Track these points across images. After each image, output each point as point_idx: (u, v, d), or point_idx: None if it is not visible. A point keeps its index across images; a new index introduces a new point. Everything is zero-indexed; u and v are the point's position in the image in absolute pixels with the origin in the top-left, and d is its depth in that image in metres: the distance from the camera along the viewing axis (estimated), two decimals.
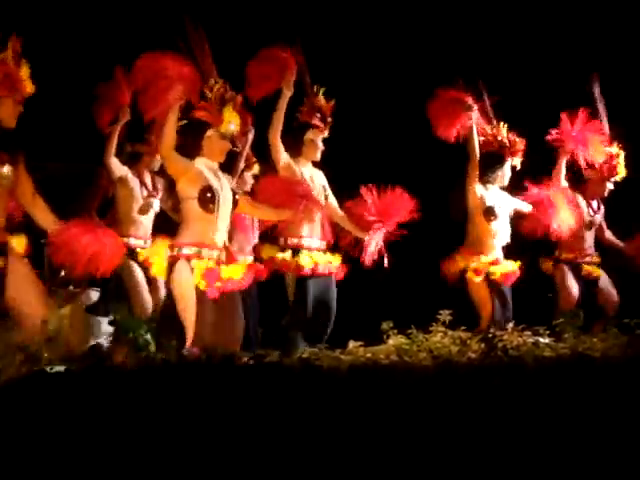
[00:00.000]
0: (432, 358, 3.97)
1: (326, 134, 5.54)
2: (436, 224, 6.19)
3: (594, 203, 6.65)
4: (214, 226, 4.65)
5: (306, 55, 5.33)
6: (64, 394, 3.09)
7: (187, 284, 4.57)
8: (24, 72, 4.37)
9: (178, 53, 4.61)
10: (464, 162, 6.10)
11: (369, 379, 3.44)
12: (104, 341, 5.50)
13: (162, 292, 5.51)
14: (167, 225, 5.80)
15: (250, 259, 5.55)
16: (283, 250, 5.42)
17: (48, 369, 3.68)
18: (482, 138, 6.14)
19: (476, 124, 6.03)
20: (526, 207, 6.22)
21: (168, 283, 4.65)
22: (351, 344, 4.21)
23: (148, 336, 4.88)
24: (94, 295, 5.82)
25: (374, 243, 5.41)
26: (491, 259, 6.09)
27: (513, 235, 6.21)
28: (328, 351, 4.16)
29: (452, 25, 7.45)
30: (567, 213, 6.19)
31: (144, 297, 5.75)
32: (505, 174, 6.19)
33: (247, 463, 2.91)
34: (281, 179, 5.29)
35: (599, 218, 6.68)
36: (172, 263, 4.60)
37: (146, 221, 5.93)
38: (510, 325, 4.81)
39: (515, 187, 6.27)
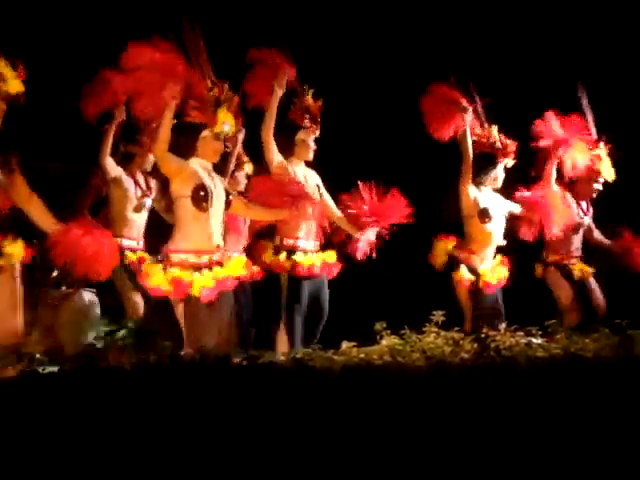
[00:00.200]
0: (425, 358, 3.97)
1: (317, 134, 5.56)
2: (429, 225, 6.19)
3: (583, 204, 6.68)
4: (207, 225, 4.66)
5: (298, 54, 5.34)
6: (57, 395, 3.09)
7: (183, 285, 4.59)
8: (4, 71, 4.31)
9: (170, 46, 4.61)
10: (457, 163, 6.11)
11: (362, 379, 3.44)
12: (97, 342, 5.48)
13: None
14: (159, 226, 5.81)
15: (242, 258, 5.54)
16: (278, 251, 5.43)
17: (41, 370, 3.68)
18: (474, 139, 6.15)
19: (469, 126, 6.05)
20: (517, 209, 6.24)
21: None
22: (344, 344, 4.21)
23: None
24: (87, 295, 5.81)
25: (366, 240, 5.43)
26: (479, 265, 6.10)
27: (506, 237, 6.24)
28: (321, 351, 4.16)
29: (444, 26, 7.45)
30: (561, 213, 6.22)
31: (135, 300, 5.75)
32: (498, 176, 6.19)
33: (241, 463, 2.91)
34: (274, 179, 5.29)
35: (587, 220, 6.70)
36: (165, 267, 4.62)
37: (139, 221, 5.92)
38: (503, 326, 4.83)
39: (507, 189, 6.30)
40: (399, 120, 7.01)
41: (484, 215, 6.06)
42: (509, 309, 6.10)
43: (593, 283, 6.63)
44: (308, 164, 5.61)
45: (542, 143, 6.29)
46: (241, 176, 5.88)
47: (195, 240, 4.66)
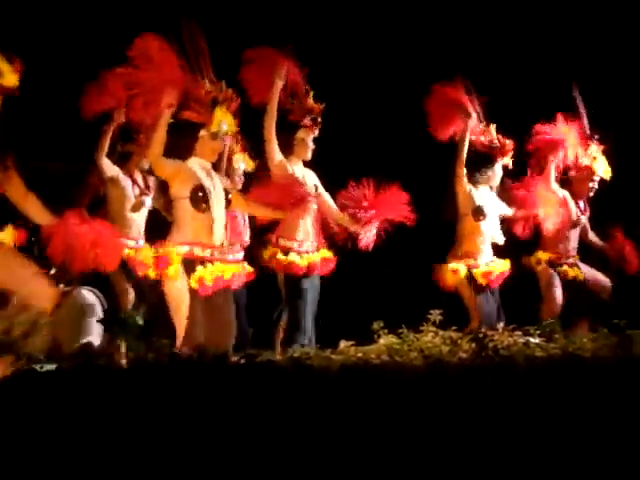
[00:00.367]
0: (423, 358, 3.97)
1: (316, 133, 5.56)
2: (427, 224, 6.19)
3: (581, 203, 6.69)
4: (207, 226, 4.66)
5: (299, 54, 5.34)
6: (55, 393, 3.08)
7: (179, 284, 4.58)
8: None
9: (172, 47, 4.60)
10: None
11: (360, 379, 3.44)
12: (95, 339, 5.48)
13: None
14: (159, 225, 5.80)
15: (240, 256, 5.53)
16: (275, 250, 5.43)
17: (38, 368, 3.67)
18: (472, 137, 6.17)
19: (470, 129, 6.06)
20: (509, 212, 6.26)
21: (161, 283, 4.66)
22: (342, 344, 4.21)
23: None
24: (85, 293, 5.80)
25: (367, 235, 5.43)
26: (476, 262, 6.11)
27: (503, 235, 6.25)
28: (319, 351, 4.16)
29: (442, 26, 7.46)
30: (553, 211, 6.23)
31: (129, 297, 5.75)
32: (496, 174, 6.21)
33: (238, 462, 2.91)
34: (277, 180, 5.28)
35: (584, 219, 6.71)
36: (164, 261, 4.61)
37: (138, 220, 5.92)
38: (501, 325, 4.83)
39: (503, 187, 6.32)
40: (398, 120, 7.03)
41: (478, 213, 6.08)
42: (506, 309, 6.12)
43: (590, 274, 6.64)
44: (306, 164, 5.61)
45: (543, 139, 6.31)
46: (237, 175, 5.88)
47: (196, 235, 4.66)
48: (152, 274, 4.76)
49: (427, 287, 6.18)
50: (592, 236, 6.85)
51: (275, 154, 5.31)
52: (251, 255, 5.54)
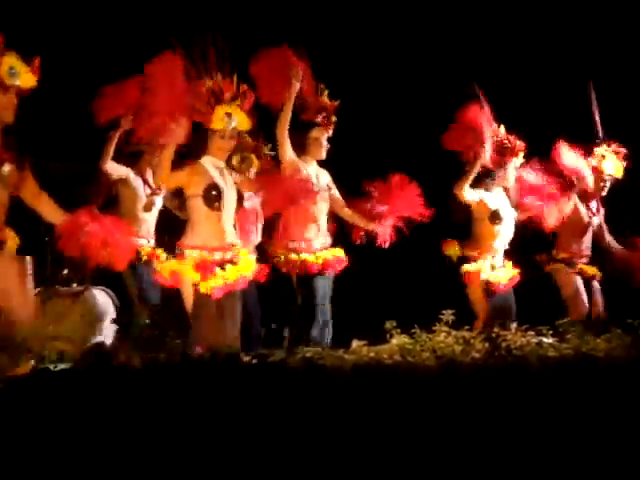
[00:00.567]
0: (435, 358, 3.96)
1: (330, 132, 5.55)
2: (440, 224, 6.19)
3: (593, 205, 6.67)
4: (220, 224, 4.67)
5: (313, 53, 5.31)
6: (68, 392, 3.09)
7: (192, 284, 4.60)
8: (16, 64, 4.30)
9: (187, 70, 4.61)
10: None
11: (372, 379, 3.44)
12: (107, 339, 5.50)
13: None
14: (170, 224, 5.81)
15: (252, 258, 5.52)
16: (286, 251, 5.43)
17: (52, 367, 3.68)
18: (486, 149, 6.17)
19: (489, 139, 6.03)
20: (519, 215, 6.27)
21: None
22: (354, 343, 4.20)
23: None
24: (97, 293, 5.82)
25: (383, 232, 5.43)
26: (490, 264, 6.10)
27: (515, 236, 6.25)
28: (331, 350, 4.16)
29: (451, 28, 7.45)
30: (559, 206, 6.22)
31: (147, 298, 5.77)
32: (509, 175, 6.19)
33: (251, 462, 2.91)
34: (282, 178, 5.26)
35: (597, 220, 6.69)
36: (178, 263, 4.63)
37: (150, 219, 5.93)
38: (514, 325, 4.82)
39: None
40: (409, 121, 7.03)
41: (495, 217, 6.07)
42: (520, 308, 6.10)
43: (596, 288, 6.64)
44: (320, 164, 5.60)
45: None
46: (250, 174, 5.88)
47: (207, 238, 4.67)
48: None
49: (440, 287, 6.18)
50: (608, 237, 6.81)
51: (286, 154, 5.30)
52: (264, 254, 5.55)
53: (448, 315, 4.42)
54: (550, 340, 4.44)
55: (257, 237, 5.78)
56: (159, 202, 5.89)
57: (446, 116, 6.15)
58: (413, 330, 4.31)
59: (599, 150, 6.56)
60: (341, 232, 5.67)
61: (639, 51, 7.33)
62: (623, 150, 6.59)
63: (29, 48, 4.31)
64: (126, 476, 2.86)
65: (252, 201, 5.58)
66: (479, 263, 6.06)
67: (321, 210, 5.49)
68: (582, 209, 6.62)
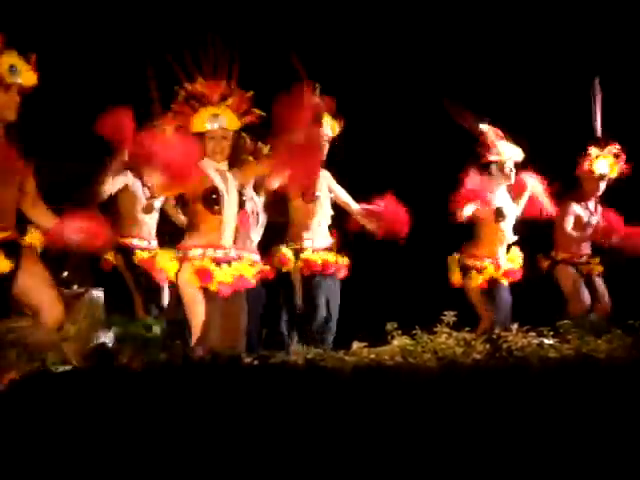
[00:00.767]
0: (437, 359, 3.96)
1: (329, 132, 5.55)
2: (440, 225, 6.20)
3: (591, 205, 6.70)
4: (221, 227, 4.66)
5: (310, 59, 5.29)
6: (70, 394, 3.09)
7: (193, 285, 4.59)
8: (17, 63, 4.29)
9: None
10: (467, 163, 6.13)
11: (373, 380, 3.44)
12: (108, 341, 5.50)
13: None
14: (170, 226, 5.82)
15: (255, 257, 5.50)
16: (288, 251, 5.44)
17: (54, 369, 3.68)
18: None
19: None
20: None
21: (175, 284, 4.67)
22: (355, 345, 4.20)
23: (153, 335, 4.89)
24: (97, 295, 5.83)
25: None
26: (493, 260, 6.12)
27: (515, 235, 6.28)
28: (332, 352, 4.16)
29: (451, 33, 7.45)
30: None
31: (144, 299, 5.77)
32: (510, 172, 6.21)
33: (252, 463, 2.91)
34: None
35: (595, 219, 6.71)
36: (179, 265, 4.63)
37: (150, 221, 5.93)
38: (514, 326, 4.81)
39: None
40: (411, 121, 7.03)
41: (499, 214, 6.10)
42: (520, 309, 6.11)
43: (599, 283, 6.66)
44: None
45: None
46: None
47: (208, 240, 4.66)
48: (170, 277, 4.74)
49: (441, 288, 6.19)
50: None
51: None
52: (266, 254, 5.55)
53: (449, 316, 4.42)
54: (551, 341, 4.45)
55: (258, 237, 5.78)
56: (158, 204, 5.90)
57: (448, 117, 6.17)
58: (414, 331, 4.31)
59: (593, 150, 6.59)
60: (344, 238, 5.68)
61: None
62: (619, 150, 6.60)
63: (31, 47, 4.31)
64: (128, 477, 2.86)
65: (253, 202, 5.57)
66: (479, 275, 6.09)
67: (322, 211, 5.49)
68: (580, 209, 6.65)
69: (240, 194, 4.79)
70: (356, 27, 7.24)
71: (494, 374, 3.60)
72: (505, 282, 6.15)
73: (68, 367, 3.73)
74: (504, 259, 6.19)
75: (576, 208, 6.65)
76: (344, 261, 5.54)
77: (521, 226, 6.28)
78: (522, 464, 3.00)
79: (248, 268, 4.71)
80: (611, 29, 7.32)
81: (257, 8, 6.66)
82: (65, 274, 5.98)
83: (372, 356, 4.05)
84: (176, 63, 4.62)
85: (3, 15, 4.47)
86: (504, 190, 6.22)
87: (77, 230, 4.45)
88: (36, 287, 4.32)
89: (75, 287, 5.90)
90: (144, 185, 5.86)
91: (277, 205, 5.57)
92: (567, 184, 6.67)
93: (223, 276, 4.58)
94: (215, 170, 4.72)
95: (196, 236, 4.68)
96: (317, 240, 5.51)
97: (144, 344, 4.41)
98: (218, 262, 4.62)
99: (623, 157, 6.61)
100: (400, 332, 4.31)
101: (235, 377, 3.33)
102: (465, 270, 6.14)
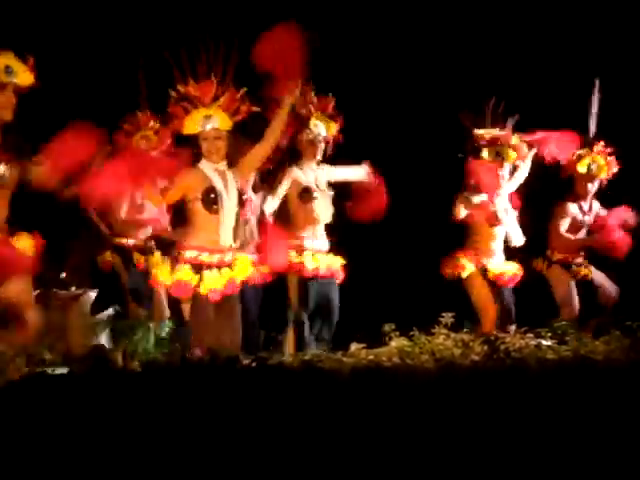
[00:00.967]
0: (434, 360, 3.96)
1: (323, 132, 5.57)
2: (438, 226, 6.20)
3: (584, 205, 6.71)
4: (219, 227, 4.66)
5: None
6: (66, 396, 3.09)
7: (188, 286, 4.60)
8: (13, 63, 4.28)
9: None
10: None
11: (371, 381, 3.43)
12: (105, 342, 5.50)
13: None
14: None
15: (253, 258, 5.48)
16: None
17: (50, 371, 3.68)
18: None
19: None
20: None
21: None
22: (353, 346, 4.20)
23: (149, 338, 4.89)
24: (94, 296, 5.83)
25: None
26: (491, 261, 6.13)
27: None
28: (330, 353, 4.16)
29: (452, 33, 7.44)
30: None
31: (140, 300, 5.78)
32: (504, 176, 6.22)
33: (249, 465, 2.91)
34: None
35: (589, 219, 6.72)
36: (175, 265, 4.62)
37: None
38: (513, 327, 4.82)
39: None
40: (411, 122, 7.02)
41: (493, 219, 6.10)
42: (518, 311, 6.11)
43: (598, 280, 6.66)
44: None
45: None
46: None
47: (206, 240, 4.66)
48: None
49: (438, 289, 6.18)
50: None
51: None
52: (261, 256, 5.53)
53: (447, 318, 4.42)
54: (549, 342, 4.45)
55: (256, 237, 5.78)
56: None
57: (451, 117, 6.17)
58: (412, 333, 4.31)
59: (580, 150, 6.62)
60: (341, 239, 5.67)
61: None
62: (608, 149, 6.62)
63: (29, 48, 4.31)
64: (126, 478, 2.86)
65: (252, 202, 5.57)
66: (475, 265, 6.09)
67: (322, 212, 5.50)
68: (576, 209, 6.67)
69: (240, 193, 4.79)
70: (352, 24, 7.22)
71: (492, 375, 3.59)
72: (506, 284, 6.16)
73: (64, 369, 3.72)
74: (500, 261, 6.20)
75: (572, 208, 6.66)
76: (338, 264, 5.53)
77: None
78: (520, 465, 3.00)
79: (242, 271, 4.70)
80: (611, 30, 7.31)
81: (253, 7, 6.65)
82: (63, 275, 5.97)
83: (370, 357, 4.05)
84: (169, 63, 4.62)
85: None
86: (503, 192, 6.23)
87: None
88: (16, 297, 4.29)
89: (73, 289, 5.89)
90: None
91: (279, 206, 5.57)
92: (563, 185, 6.69)
93: (213, 282, 4.58)
94: (214, 170, 4.72)
95: (195, 237, 4.68)
96: (315, 242, 5.50)
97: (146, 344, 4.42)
98: (209, 266, 4.62)
99: (613, 157, 6.63)
100: (398, 333, 4.31)
101: (232, 378, 3.32)
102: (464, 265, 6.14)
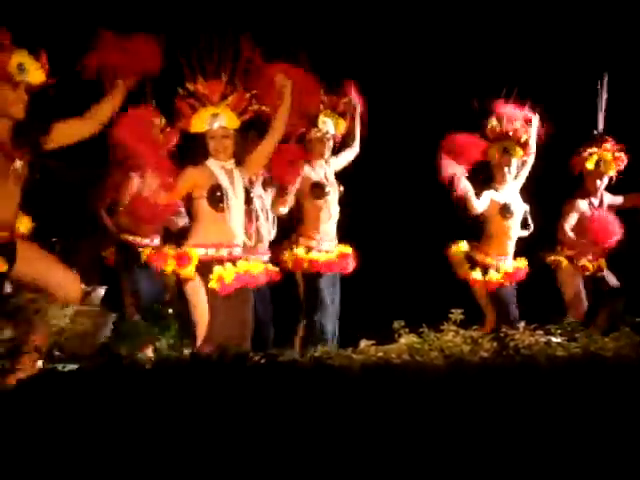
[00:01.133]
0: (444, 357, 3.96)
1: (331, 129, 5.58)
2: (448, 222, 6.20)
3: (595, 201, 6.71)
4: (226, 225, 4.67)
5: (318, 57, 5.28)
6: (77, 393, 3.10)
7: (197, 283, 4.60)
8: (25, 61, 4.29)
9: None
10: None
11: (381, 378, 3.43)
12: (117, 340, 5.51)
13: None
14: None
15: (265, 258, 5.48)
16: (295, 249, 5.44)
17: (60, 367, 3.69)
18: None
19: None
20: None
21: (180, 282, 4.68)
22: (363, 343, 4.21)
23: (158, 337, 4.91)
24: (101, 293, 5.84)
25: None
26: (497, 260, 6.14)
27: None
28: (340, 350, 4.17)
29: (457, 29, 7.44)
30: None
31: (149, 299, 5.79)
32: (513, 171, 6.23)
33: (260, 461, 2.91)
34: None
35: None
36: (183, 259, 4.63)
37: None
38: (522, 324, 4.82)
39: None
40: (420, 117, 7.02)
41: (505, 211, 6.12)
42: (527, 307, 6.11)
43: (608, 276, 6.67)
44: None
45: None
46: None
47: (213, 238, 4.67)
48: (170, 269, 4.72)
49: (448, 286, 6.19)
50: None
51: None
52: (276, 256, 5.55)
53: (457, 314, 4.42)
54: (558, 339, 4.44)
55: (269, 235, 5.78)
56: None
57: (457, 112, 6.17)
58: (421, 329, 4.31)
59: (588, 147, 6.62)
60: (350, 233, 5.68)
61: None
62: (616, 146, 6.61)
63: (42, 46, 4.32)
64: (136, 475, 2.87)
65: (261, 200, 5.58)
66: (485, 272, 6.10)
67: (333, 207, 5.51)
68: (585, 205, 6.67)
69: (247, 191, 4.79)
70: (357, 22, 7.23)
71: (501, 372, 3.59)
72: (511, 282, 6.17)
73: (75, 366, 3.73)
74: (511, 258, 6.21)
75: (581, 204, 6.67)
76: (348, 251, 5.55)
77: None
78: (530, 462, 3.00)
79: (255, 266, 4.71)
80: (620, 25, 7.30)
81: (260, 6, 6.66)
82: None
83: (380, 354, 4.05)
84: (175, 62, 4.64)
85: (11, 14, 4.46)
86: (511, 187, 6.23)
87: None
88: (45, 270, 4.32)
89: (82, 286, 5.90)
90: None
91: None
92: (573, 181, 6.69)
93: (224, 274, 4.58)
94: (220, 168, 4.72)
95: (201, 235, 4.68)
96: (325, 239, 5.51)
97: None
98: (220, 261, 4.62)
99: (622, 154, 6.62)
100: (407, 330, 4.31)
101: (242, 375, 3.33)
102: (473, 264, 6.15)
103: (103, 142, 5.59)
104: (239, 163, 4.78)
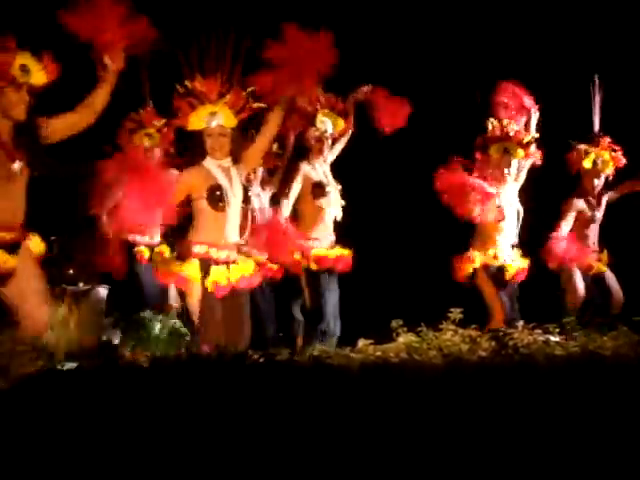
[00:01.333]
0: (442, 356, 3.95)
1: (331, 128, 5.58)
2: (445, 222, 6.19)
3: (593, 200, 6.72)
4: (225, 224, 4.67)
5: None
6: (76, 391, 3.10)
7: (196, 282, 4.61)
8: (28, 62, 4.29)
9: None
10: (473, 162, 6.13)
11: (379, 377, 3.44)
12: (114, 337, 5.52)
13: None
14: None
15: (262, 257, 5.49)
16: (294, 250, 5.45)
17: (60, 366, 3.69)
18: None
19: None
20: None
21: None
22: (361, 342, 4.20)
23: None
24: (103, 292, 5.84)
25: None
26: (499, 256, 6.14)
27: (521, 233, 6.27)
28: (338, 349, 4.16)
29: (453, 29, 7.44)
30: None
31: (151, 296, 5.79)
32: (512, 172, 6.22)
33: (258, 460, 2.91)
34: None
35: (599, 214, 6.74)
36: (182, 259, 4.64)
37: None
38: (520, 323, 4.82)
39: None
40: (422, 119, 7.02)
41: (498, 214, 6.10)
42: (526, 306, 6.11)
43: (610, 278, 6.68)
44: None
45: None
46: None
47: (214, 237, 4.67)
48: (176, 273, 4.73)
49: (446, 285, 6.18)
50: None
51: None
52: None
53: (455, 313, 4.42)
54: (557, 338, 4.44)
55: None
56: None
57: (458, 113, 6.17)
58: (420, 328, 4.31)
59: (584, 146, 6.63)
60: (349, 232, 5.68)
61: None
62: (612, 145, 6.63)
63: (44, 47, 4.32)
64: (134, 475, 2.87)
65: (259, 198, 5.59)
66: (482, 256, 6.09)
67: (333, 207, 5.51)
68: (583, 204, 6.68)
69: (245, 190, 4.79)
70: (358, 21, 7.23)
71: (500, 371, 3.59)
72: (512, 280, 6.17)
73: (74, 365, 3.73)
74: (507, 256, 6.20)
75: (579, 203, 6.68)
76: (346, 253, 5.55)
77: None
78: (528, 461, 3.00)
79: (250, 268, 4.71)
80: (616, 24, 7.31)
81: (260, 6, 6.66)
82: (71, 271, 5.99)
83: (378, 353, 4.04)
84: (173, 61, 4.64)
85: (14, 16, 4.46)
86: (509, 188, 6.23)
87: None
88: (26, 294, 4.29)
89: (81, 285, 5.91)
90: None
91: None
92: (571, 181, 6.70)
93: (219, 277, 4.58)
94: (217, 167, 4.72)
95: (201, 234, 4.68)
96: (324, 238, 5.51)
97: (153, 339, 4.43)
98: (217, 262, 4.62)
99: (618, 152, 6.63)
100: (406, 329, 4.31)
101: (241, 374, 3.33)
102: (475, 270, 6.15)
103: (93, 135, 5.61)
104: (236, 161, 4.78)
